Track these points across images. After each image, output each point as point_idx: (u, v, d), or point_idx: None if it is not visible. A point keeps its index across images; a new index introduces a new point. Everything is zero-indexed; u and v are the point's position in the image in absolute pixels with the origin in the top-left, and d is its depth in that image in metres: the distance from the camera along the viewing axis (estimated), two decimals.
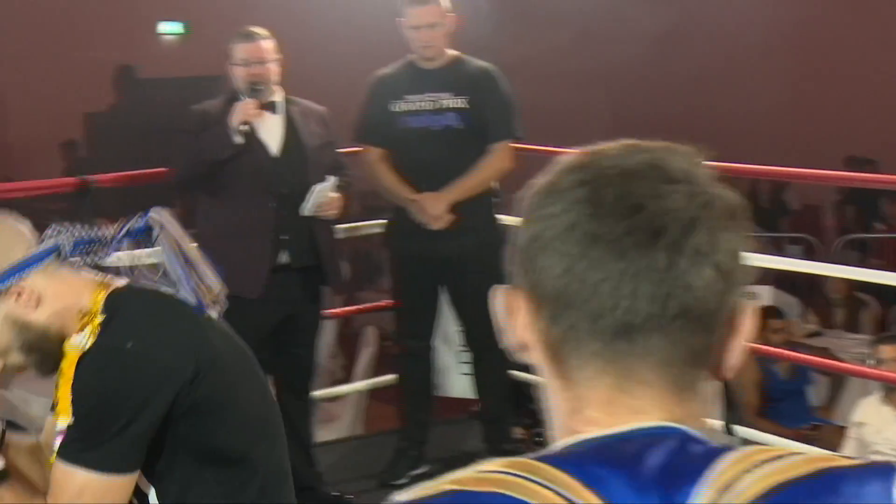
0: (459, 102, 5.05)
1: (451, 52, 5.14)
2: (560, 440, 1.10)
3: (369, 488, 5.20)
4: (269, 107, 4.79)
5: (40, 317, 2.30)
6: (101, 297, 2.31)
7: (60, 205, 14.37)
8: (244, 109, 4.67)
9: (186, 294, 2.35)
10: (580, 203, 1.08)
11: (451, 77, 5.08)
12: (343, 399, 6.84)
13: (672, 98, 13.58)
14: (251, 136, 4.70)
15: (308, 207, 4.75)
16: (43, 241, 2.34)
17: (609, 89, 14.21)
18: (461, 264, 5.10)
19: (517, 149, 5.22)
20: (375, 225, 5.81)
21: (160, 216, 2.38)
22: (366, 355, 7.09)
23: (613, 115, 13.63)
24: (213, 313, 2.37)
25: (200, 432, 2.27)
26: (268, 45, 4.82)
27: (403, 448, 5.26)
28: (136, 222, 2.38)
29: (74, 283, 2.34)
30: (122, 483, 2.21)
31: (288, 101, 4.88)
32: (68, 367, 2.26)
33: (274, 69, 4.81)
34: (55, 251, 2.33)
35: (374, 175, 5.18)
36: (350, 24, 14.40)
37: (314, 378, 5.09)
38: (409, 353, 5.30)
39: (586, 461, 1.05)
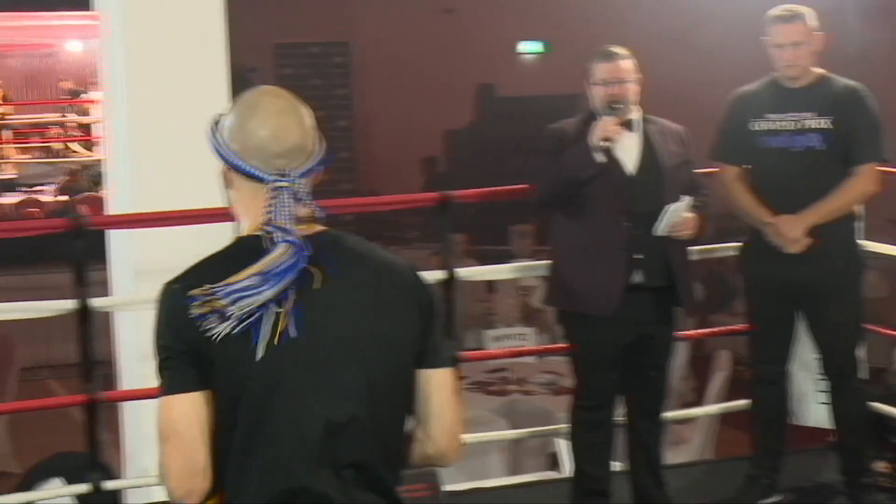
0: (823, 123, 4.88)
1: (817, 71, 4.97)
2: None
3: None
4: (627, 125, 4.77)
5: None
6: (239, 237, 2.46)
7: (418, 218, 14.85)
8: (605, 127, 4.66)
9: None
10: None
11: (815, 97, 4.92)
12: (693, 422, 6.74)
13: None
14: (608, 155, 4.69)
15: (661, 227, 4.70)
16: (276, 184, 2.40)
17: None
18: (819, 290, 4.93)
19: (884, 172, 5.01)
20: (730, 247, 5.70)
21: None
22: (718, 379, 6.97)
23: None
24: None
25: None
26: (627, 64, 4.79)
27: (755, 475, 5.13)
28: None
29: (251, 209, 2.45)
30: (173, 404, 2.33)
31: (645, 120, 4.85)
32: None
33: (633, 88, 4.79)
34: (258, 179, 2.42)
35: (729, 194, 5.07)
36: (713, 41, 14.22)
37: (666, 400, 5.02)
38: (763, 379, 5.16)
39: None
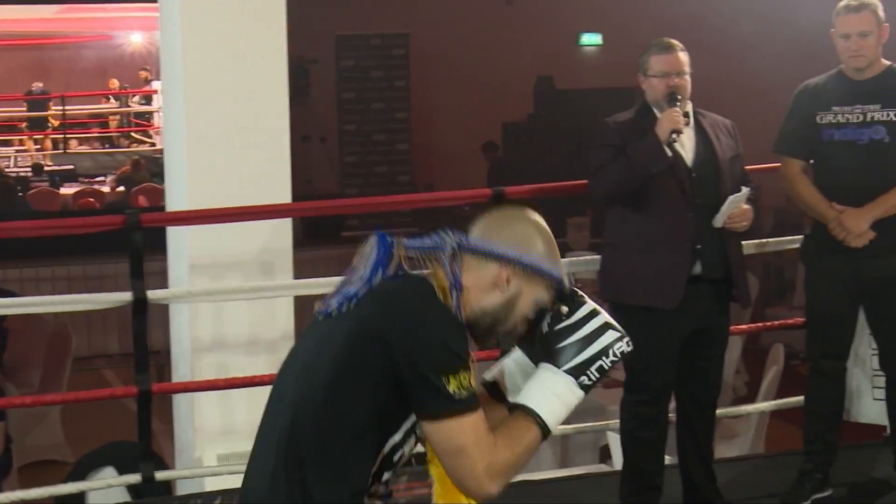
0: (889, 115, 4.82)
1: (883, 63, 4.91)
2: None
3: None
4: (685, 117, 4.74)
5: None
6: None
7: (476, 211, 14.84)
8: (672, 118, 4.63)
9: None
10: None
11: (881, 89, 4.84)
12: (745, 416, 6.70)
13: None
14: (671, 147, 4.66)
15: (720, 218, 4.68)
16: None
17: None
18: (883, 285, 4.88)
19: None
20: (788, 241, 5.64)
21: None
22: (772, 373, 6.92)
23: None
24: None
25: None
26: (685, 56, 4.77)
27: (808, 470, 5.09)
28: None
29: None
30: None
31: (696, 113, 4.83)
32: None
33: (689, 81, 4.77)
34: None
35: (792, 188, 5.02)
36: (764, 34, 14.13)
37: (718, 393, 5.00)
38: (820, 373, 5.10)
39: None
